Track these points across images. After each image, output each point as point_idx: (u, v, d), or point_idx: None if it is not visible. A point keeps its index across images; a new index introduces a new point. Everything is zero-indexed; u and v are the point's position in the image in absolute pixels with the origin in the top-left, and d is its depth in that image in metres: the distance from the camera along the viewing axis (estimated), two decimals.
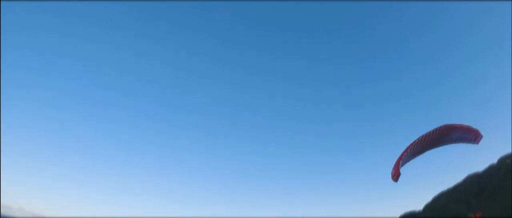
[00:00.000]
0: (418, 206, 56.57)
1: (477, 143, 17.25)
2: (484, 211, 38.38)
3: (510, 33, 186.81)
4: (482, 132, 17.24)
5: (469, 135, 17.49)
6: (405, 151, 18.01)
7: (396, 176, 16.96)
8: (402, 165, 17.50)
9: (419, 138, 17.89)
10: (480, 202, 39.97)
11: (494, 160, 44.80)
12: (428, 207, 52.61)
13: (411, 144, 18.07)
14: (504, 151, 46.99)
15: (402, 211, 61.27)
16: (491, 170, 43.37)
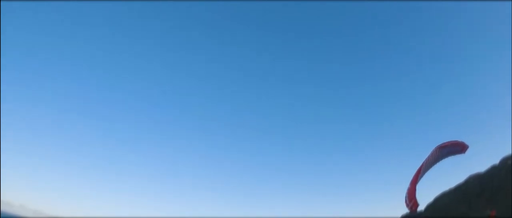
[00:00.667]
0: (420, 206, 56.57)
1: (464, 152, 19.91)
2: (485, 211, 38.41)
3: (510, 33, 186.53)
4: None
5: (457, 148, 20.12)
6: (416, 180, 19.46)
7: (415, 206, 18.39)
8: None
9: (421, 165, 19.97)
10: (481, 203, 39.97)
11: (496, 160, 44.81)
12: (429, 207, 52.61)
13: (417, 172, 19.72)
14: (506, 151, 47.02)
15: (403, 211, 61.30)
16: (493, 170, 43.36)
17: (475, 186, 44.19)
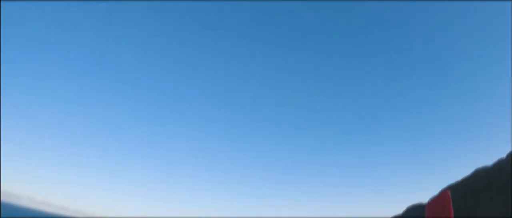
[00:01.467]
0: (426, 199, 57.01)
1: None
2: (492, 206, 38.59)
3: (510, 33, 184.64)
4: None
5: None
6: None
7: None
8: None
9: None
10: (489, 197, 40.12)
11: (503, 154, 44.80)
12: None
13: None
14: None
15: (409, 204, 61.78)
16: (500, 164, 43.33)
17: (482, 179, 44.29)
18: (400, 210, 64.71)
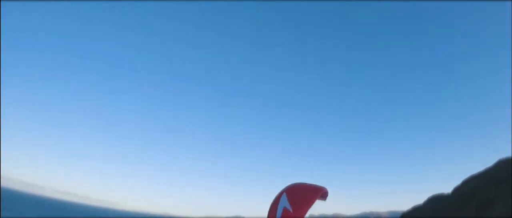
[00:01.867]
0: (448, 189, 58.54)
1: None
2: (510, 197, 39.79)
3: (510, 33, 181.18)
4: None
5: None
6: None
7: None
8: None
9: None
10: (508, 189, 41.49)
11: None
12: (457, 190, 54.47)
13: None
14: None
15: (431, 194, 63.16)
16: None
17: (503, 171, 45.64)
18: (421, 200, 66.25)
